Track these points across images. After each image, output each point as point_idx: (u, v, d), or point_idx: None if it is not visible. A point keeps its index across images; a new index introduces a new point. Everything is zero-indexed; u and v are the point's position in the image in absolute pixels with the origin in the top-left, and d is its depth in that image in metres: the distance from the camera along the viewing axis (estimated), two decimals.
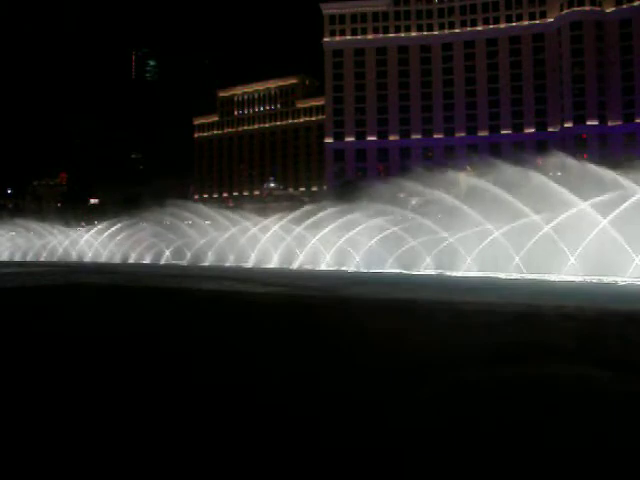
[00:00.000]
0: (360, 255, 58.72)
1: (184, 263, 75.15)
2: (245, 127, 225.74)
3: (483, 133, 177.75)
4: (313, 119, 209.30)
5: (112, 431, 6.21)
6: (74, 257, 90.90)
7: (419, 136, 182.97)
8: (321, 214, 63.40)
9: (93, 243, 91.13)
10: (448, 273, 48.45)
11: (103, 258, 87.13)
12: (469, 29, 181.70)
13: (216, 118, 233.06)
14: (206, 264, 71.48)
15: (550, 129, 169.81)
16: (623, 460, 4.13)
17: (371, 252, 57.61)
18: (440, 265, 51.64)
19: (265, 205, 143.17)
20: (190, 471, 4.82)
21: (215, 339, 15.47)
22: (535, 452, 4.30)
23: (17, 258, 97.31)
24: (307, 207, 70.15)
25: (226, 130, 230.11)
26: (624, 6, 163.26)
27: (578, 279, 39.39)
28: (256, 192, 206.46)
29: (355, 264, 58.53)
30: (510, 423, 6.17)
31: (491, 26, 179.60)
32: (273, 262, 65.87)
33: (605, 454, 4.15)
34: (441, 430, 5.63)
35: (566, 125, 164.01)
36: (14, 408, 7.32)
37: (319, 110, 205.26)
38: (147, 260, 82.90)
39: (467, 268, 49.38)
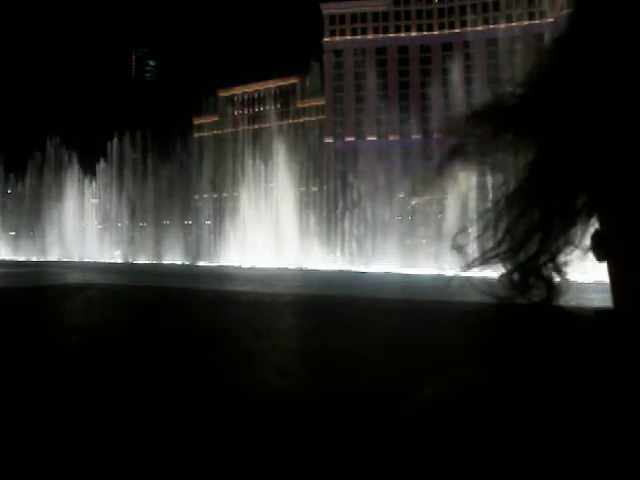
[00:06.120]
0: None
1: None
2: (245, 127, 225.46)
3: None
4: (313, 119, 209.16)
5: None
6: None
7: (419, 136, 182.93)
8: None
9: None
10: None
11: None
12: (469, 29, 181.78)
13: (216, 118, 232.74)
14: None
15: None
16: None
17: None
18: None
19: None
20: None
21: None
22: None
23: None
24: None
25: (226, 130, 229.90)
26: None
27: None
28: None
29: None
30: None
31: (491, 26, 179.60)
32: None
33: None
34: None
35: None
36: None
37: (319, 110, 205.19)
38: None
39: None
